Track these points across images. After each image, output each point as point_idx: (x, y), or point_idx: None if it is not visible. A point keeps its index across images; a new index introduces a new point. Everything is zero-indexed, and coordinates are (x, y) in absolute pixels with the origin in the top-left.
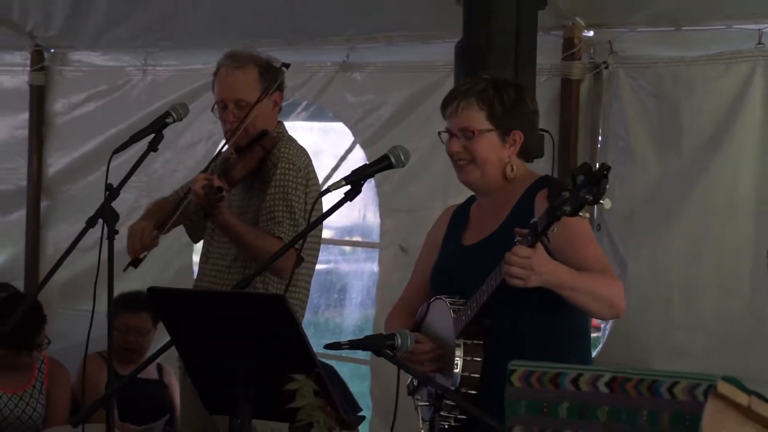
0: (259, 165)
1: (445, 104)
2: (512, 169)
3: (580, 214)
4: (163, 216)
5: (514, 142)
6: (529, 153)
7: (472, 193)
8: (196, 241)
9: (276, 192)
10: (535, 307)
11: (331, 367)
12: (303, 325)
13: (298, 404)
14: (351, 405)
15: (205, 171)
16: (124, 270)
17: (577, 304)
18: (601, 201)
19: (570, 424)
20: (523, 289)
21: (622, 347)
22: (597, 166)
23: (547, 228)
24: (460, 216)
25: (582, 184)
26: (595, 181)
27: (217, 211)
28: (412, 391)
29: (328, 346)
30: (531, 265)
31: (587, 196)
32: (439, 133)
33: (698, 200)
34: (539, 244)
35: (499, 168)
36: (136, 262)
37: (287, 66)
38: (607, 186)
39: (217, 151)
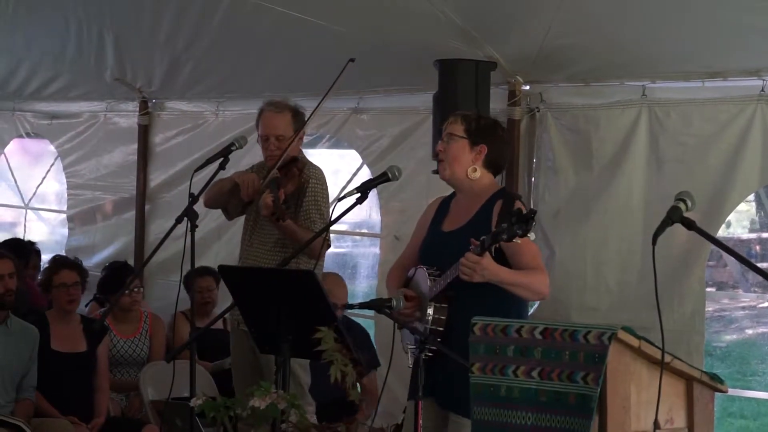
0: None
1: (447, 119)
2: (474, 171)
3: (528, 236)
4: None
5: (480, 152)
6: (496, 168)
7: (440, 197)
8: (230, 219)
9: (310, 200)
10: (486, 286)
11: (362, 328)
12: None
13: (322, 347)
14: (373, 359)
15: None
16: (230, 218)
17: (513, 292)
18: (528, 235)
19: (515, 360)
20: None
21: (551, 306)
22: (528, 209)
23: (490, 246)
24: (444, 206)
25: (515, 222)
26: (525, 221)
27: (286, 216)
28: (399, 328)
29: (345, 307)
30: (475, 268)
31: (518, 231)
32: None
33: (604, 203)
34: (486, 253)
35: (464, 168)
36: (251, 203)
37: (353, 60)
38: (534, 224)
39: (269, 176)
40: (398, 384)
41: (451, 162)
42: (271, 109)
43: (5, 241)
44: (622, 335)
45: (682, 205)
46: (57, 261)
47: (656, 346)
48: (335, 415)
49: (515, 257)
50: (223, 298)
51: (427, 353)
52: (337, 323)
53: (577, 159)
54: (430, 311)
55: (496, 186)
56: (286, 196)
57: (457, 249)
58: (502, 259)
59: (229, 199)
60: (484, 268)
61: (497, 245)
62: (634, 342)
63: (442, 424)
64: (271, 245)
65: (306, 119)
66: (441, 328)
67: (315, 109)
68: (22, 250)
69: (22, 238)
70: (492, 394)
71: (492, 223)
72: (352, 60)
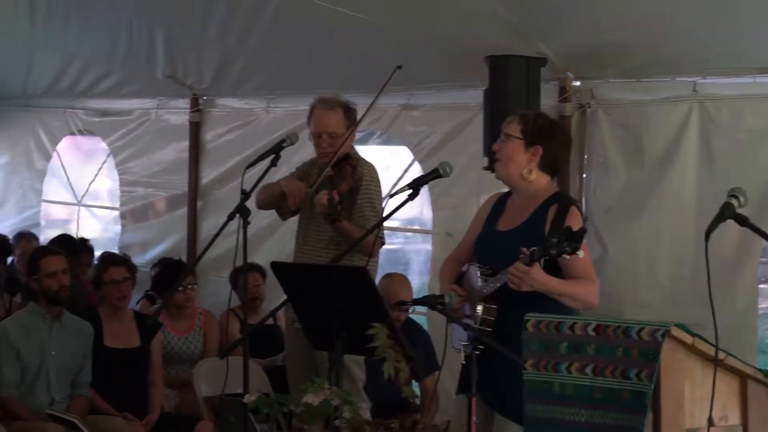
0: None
1: (517, 112)
2: (530, 172)
3: (576, 254)
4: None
5: (535, 154)
6: (553, 169)
7: (497, 193)
8: (284, 219)
9: (364, 198)
10: (536, 291)
11: (421, 328)
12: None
13: (375, 343)
14: (432, 361)
15: (312, 185)
16: (284, 219)
17: (561, 302)
18: (576, 253)
19: (568, 357)
20: None
21: (603, 303)
22: (580, 228)
23: (539, 259)
24: (500, 204)
25: (565, 239)
26: (574, 239)
27: (341, 217)
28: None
29: (397, 303)
30: (523, 278)
31: (567, 248)
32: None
33: (656, 198)
34: (535, 263)
35: (519, 168)
36: (296, 212)
37: (400, 67)
38: (583, 241)
39: (322, 175)
40: (452, 381)
41: (506, 162)
42: (322, 106)
43: (55, 238)
44: (676, 332)
45: (734, 201)
46: (105, 258)
47: (710, 343)
48: (392, 413)
49: (566, 266)
50: (272, 293)
51: (476, 350)
52: (390, 320)
53: (628, 155)
54: (479, 310)
55: (553, 188)
56: (340, 196)
57: (509, 249)
58: (554, 264)
59: (280, 202)
60: (532, 278)
61: (547, 258)
62: (688, 339)
63: (487, 420)
64: (326, 242)
65: (357, 119)
66: (489, 329)
67: (365, 113)
68: (72, 247)
69: (71, 234)
70: (545, 391)
71: (545, 228)
72: (399, 67)
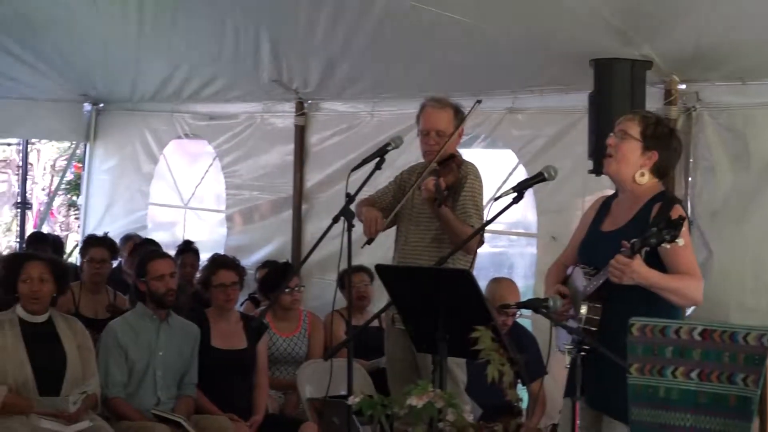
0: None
1: (622, 115)
2: (642, 175)
3: (676, 241)
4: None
5: (650, 158)
6: (662, 174)
7: (602, 196)
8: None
9: (467, 196)
10: (639, 288)
11: (528, 333)
12: None
13: (479, 347)
14: (538, 365)
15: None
16: (362, 247)
17: (664, 296)
18: (676, 241)
19: (673, 362)
20: None
21: (709, 307)
22: (678, 216)
23: (640, 249)
24: (605, 206)
25: (664, 227)
26: (673, 227)
27: (446, 202)
28: (554, 326)
29: (502, 307)
30: (624, 270)
31: (666, 237)
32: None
33: (762, 202)
34: (637, 256)
35: (632, 170)
36: (371, 241)
37: (480, 101)
38: (682, 229)
39: (429, 168)
40: (555, 384)
41: (619, 160)
42: (433, 104)
43: (144, 240)
44: None
45: None
46: (216, 261)
47: None
48: (496, 416)
49: (670, 262)
50: (379, 295)
51: (581, 351)
52: (494, 323)
53: (734, 158)
54: (583, 310)
55: (658, 188)
56: (447, 184)
57: (614, 249)
58: (657, 259)
59: None
60: (633, 270)
61: (648, 249)
62: None
63: (594, 422)
64: (428, 241)
65: (464, 118)
66: (594, 328)
67: (465, 117)
68: None
69: (177, 237)
70: (651, 396)
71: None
72: (479, 101)
